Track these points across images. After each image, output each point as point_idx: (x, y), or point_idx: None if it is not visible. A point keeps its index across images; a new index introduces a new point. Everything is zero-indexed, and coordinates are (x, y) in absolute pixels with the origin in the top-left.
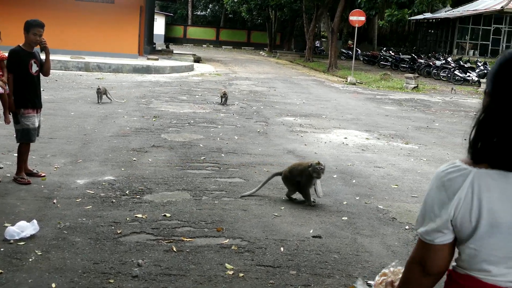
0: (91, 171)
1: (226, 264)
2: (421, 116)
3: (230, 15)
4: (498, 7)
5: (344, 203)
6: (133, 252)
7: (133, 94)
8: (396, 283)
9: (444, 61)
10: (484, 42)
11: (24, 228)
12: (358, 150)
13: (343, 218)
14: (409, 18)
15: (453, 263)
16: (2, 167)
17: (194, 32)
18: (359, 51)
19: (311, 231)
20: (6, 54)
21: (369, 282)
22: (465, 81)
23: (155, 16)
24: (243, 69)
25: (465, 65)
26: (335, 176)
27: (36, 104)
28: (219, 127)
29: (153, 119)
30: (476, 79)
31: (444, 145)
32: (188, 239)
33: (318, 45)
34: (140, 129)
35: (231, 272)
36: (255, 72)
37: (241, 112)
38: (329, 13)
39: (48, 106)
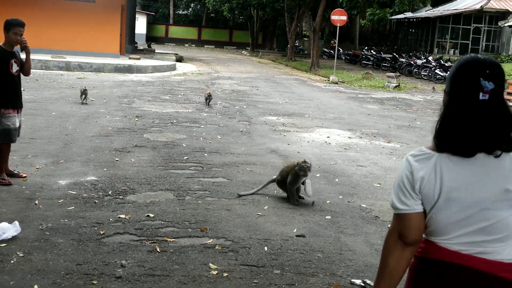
0: (73, 172)
1: (210, 264)
2: (403, 115)
3: (212, 14)
4: (477, 7)
5: (327, 202)
6: (117, 253)
7: (115, 94)
8: None
9: (425, 60)
10: (464, 41)
11: (6, 230)
12: (340, 149)
13: (326, 217)
14: (390, 18)
15: None
16: None
17: (176, 31)
18: (341, 50)
19: (294, 230)
20: None
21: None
22: (445, 80)
23: (137, 15)
24: (226, 69)
25: (446, 64)
26: (318, 175)
27: (16, 104)
28: (202, 126)
29: (136, 119)
30: None
31: (426, 144)
32: (171, 239)
33: (297, 44)
34: (123, 129)
35: (215, 272)
36: (238, 71)
37: (224, 111)
38: (311, 12)
39: (29, 106)
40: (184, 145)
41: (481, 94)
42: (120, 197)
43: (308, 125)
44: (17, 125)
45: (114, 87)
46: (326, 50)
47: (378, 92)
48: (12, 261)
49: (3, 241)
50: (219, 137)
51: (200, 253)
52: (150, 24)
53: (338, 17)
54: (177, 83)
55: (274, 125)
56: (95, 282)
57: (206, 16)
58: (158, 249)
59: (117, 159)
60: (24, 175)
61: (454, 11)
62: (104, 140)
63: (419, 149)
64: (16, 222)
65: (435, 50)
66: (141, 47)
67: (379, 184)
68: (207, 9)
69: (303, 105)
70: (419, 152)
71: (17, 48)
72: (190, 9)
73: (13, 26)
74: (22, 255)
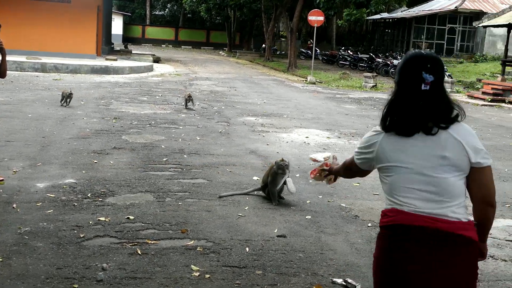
0: (51, 174)
1: (192, 266)
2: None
3: (189, 15)
4: (452, 7)
5: (307, 202)
6: (97, 256)
7: (92, 95)
8: (329, 162)
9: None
10: (439, 41)
11: None
12: (319, 149)
13: (306, 217)
14: (367, 18)
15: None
16: None
17: (152, 32)
18: (318, 51)
19: (275, 231)
20: None
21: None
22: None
23: (113, 16)
24: (203, 69)
25: None
26: (297, 175)
27: None
28: (181, 127)
29: (114, 121)
30: None
31: None
32: (152, 242)
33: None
34: (101, 130)
35: (197, 274)
36: (215, 72)
37: (202, 112)
38: (288, 13)
39: (4, 108)
40: (163, 146)
41: (423, 85)
42: (100, 199)
43: (286, 126)
44: None
45: (91, 88)
46: (303, 50)
47: (356, 92)
48: None
49: None
50: (198, 138)
51: (181, 255)
52: (126, 25)
53: (315, 18)
54: (155, 84)
55: (252, 126)
56: (76, 286)
57: (183, 17)
58: (139, 252)
59: (95, 161)
60: (1, 178)
61: (429, 12)
62: (82, 142)
63: (375, 128)
64: None
65: (411, 50)
66: (118, 48)
67: (358, 183)
68: (184, 10)
69: (281, 106)
70: (375, 130)
71: None
72: (166, 9)
73: None
74: (1, 259)
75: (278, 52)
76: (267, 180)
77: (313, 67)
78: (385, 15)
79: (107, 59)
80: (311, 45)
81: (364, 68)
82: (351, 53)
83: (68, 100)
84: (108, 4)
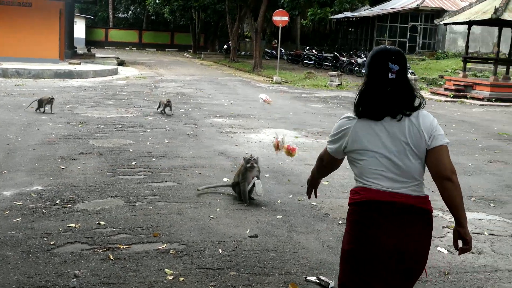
0: (18, 182)
1: (166, 269)
2: (347, 113)
3: (152, 17)
4: (413, 5)
5: (278, 201)
6: (69, 263)
7: (56, 100)
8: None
9: (365, 59)
10: (402, 39)
11: None
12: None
13: (278, 217)
14: (330, 17)
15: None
16: None
17: (116, 34)
18: (283, 51)
19: (247, 231)
20: None
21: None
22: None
23: (75, 19)
24: (169, 71)
25: None
26: (267, 175)
27: None
28: (148, 131)
29: (79, 125)
30: None
31: None
32: (124, 246)
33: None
34: (67, 136)
35: (171, 277)
36: (181, 74)
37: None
38: (252, 13)
39: None
40: (131, 150)
41: (389, 74)
42: (69, 205)
43: (254, 126)
44: None
45: (55, 93)
46: (268, 50)
47: (321, 91)
48: None
49: None
50: (166, 141)
51: (154, 259)
52: (89, 28)
53: (280, 18)
54: (120, 87)
55: (220, 127)
56: None
57: (147, 19)
58: (111, 257)
59: (63, 167)
60: None
61: (392, 10)
62: (48, 148)
63: (347, 115)
64: None
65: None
66: (81, 52)
67: (327, 182)
68: (148, 12)
69: (248, 106)
70: (347, 115)
71: None
72: (130, 12)
73: None
74: None
75: (242, 53)
76: (238, 179)
77: (279, 67)
78: (348, 14)
79: (70, 63)
80: (276, 45)
81: (329, 67)
82: (316, 52)
83: (49, 105)
84: (70, 7)
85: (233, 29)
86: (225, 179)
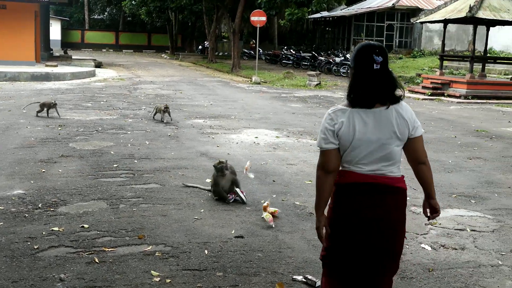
0: None
1: (152, 271)
2: (334, 107)
3: (129, 18)
4: (389, 4)
5: (262, 201)
6: (54, 266)
7: (34, 103)
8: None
9: (343, 58)
10: (379, 38)
11: None
12: (269, 148)
13: (262, 216)
14: (307, 17)
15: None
16: None
17: (92, 36)
18: (261, 51)
19: (233, 232)
20: None
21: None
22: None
23: (50, 21)
24: (147, 73)
25: None
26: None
27: None
28: (129, 132)
29: (59, 128)
30: None
31: None
32: (109, 249)
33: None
34: (46, 139)
35: (157, 279)
36: (159, 75)
37: (149, 116)
38: (230, 14)
39: None
40: (112, 152)
41: (374, 65)
42: (51, 209)
43: (235, 127)
44: None
45: (32, 96)
46: (246, 51)
47: (300, 91)
48: None
49: None
50: (147, 143)
51: (140, 261)
52: (64, 30)
53: (258, 18)
54: (98, 89)
55: (201, 128)
56: None
57: (123, 20)
58: (96, 260)
59: (43, 170)
60: None
61: (368, 9)
62: (27, 151)
63: (334, 107)
64: None
65: (352, 47)
66: (57, 54)
67: (310, 181)
68: (124, 13)
69: (228, 107)
70: (335, 108)
71: None
72: (106, 13)
73: None
74: None
75: (220, 54)
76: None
77: (257, 67)
78: (325, 13)
79: (47, 66)
80: (254, 45)
81: (307, 67)
82: (294, 52)
83: (53, 110)
84: (45, 9)
85: (211, 29)
86: (208, 180)
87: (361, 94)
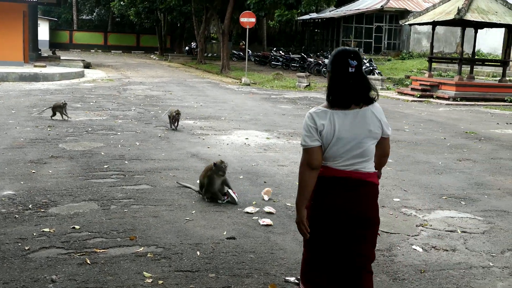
0: None
1: (144, 273)
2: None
3: (117, 19)
4: (378, 6)
5: (253, 203)
6: (45, 268)
7: (23, 104)
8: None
9: None
10: (367, 40)
11: None
12: (260, 150)
13: (254, 218)
14: (296, 18)
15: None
16: None
17: (80, 37)
18: (250, 52)
19: (224, 233)
20: None
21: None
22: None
23: (38, 22)
24: (136, 74)
25: None
26: (241, 176)
27: None
28: (119, 133)
29: (48, 129)
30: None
31: None
32: (101, 250)
33: (194, 46)
34: (36, 139)
35: (150, 280)
36: (149, 76)
37: (139, 117)
38: (219, 15)
39: None
40: (102, 153)
41: (349, 68)
42: (42, 210)
43: (225, 128)
44: None
45: (21, 96)
46: (235, 52)
47: (290, 92)
48: None
49: None
50: (138, 144)
51: (132, 262)
52: (53, 30)
53: (247, 19)
54: (88, 90)
55: (192, 129)
56: None
57: (112, 21)
58: (88, 261)
59: (33, 171)
60: None
61: (357, 11)
62: (17, 152)
63: (316, 108)
64: None
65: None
66: (46, 54)
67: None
68: (113, 14)
69: (218, 108)
70: (317, 109)
71: None
72: (94, 14)
73: None
74: None
75: (209, 55)
76: (204, 181)
77: (247, 69)
78: (314, 15)
79: (35, 66)
80: (243, 46)
81: (296, 68)
82: (283, 53)
83: (63, 111)
84: (34, 9)
85: (200, 30)
86: (198, 181)
87: (338, 96)
